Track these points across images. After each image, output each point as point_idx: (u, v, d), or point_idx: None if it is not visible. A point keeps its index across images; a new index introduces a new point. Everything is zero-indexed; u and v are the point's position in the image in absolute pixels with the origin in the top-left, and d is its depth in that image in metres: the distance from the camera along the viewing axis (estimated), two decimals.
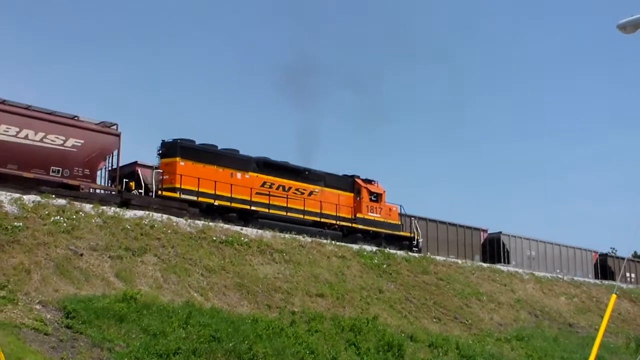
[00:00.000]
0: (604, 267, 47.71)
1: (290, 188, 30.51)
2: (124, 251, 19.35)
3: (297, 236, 26.64)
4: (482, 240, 41.58)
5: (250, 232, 25.02)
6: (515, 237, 42.02)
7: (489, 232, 42.02)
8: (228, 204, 27.65)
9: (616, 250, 54.45)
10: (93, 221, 20.19)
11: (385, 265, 27.64)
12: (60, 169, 23.18)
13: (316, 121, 78.31)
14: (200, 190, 26.74)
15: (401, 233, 34.75)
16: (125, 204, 23.69)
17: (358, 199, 33.41)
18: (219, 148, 28.89)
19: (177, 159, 26.67)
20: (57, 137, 23.17)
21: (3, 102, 22.60)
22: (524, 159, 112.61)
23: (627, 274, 46.92)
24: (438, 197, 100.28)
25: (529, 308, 31.09)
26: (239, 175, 28.60)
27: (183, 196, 26.14)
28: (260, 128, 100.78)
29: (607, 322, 13.16)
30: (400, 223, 35.09)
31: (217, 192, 27.30)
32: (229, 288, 20.45)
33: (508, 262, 39.42)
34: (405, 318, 23.90)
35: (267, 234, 25.46)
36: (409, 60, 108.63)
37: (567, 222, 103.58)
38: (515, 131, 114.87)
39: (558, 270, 41.90)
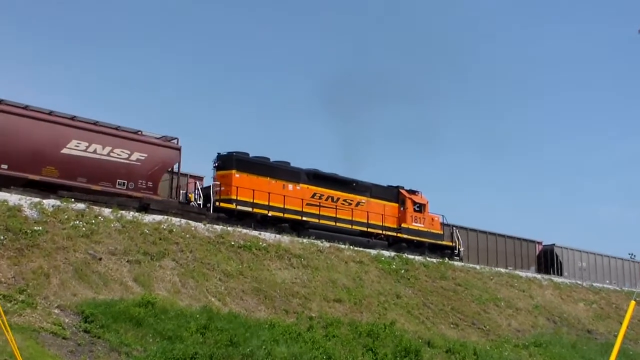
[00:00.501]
0: None
1: (338, 199, 31.63)
2: (142, 255, 19.45)
3: (315, 241, 26.68)
4: (537, 252, 43.33)
5: (268, 236, 25.06)
6: (567, 249, 43.79)
7: (543, 244, 43.63)
8: (281, 214, 28.65)
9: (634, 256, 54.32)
10: (112, 225, 20.31)
11: (403, 271, 27.57)
12: (126, 181, 24.30)
13: (363, 132, 79.89)
14: (255, 201, 27.75)
15: (443, 242, 35.80)
16: (144, 208, 23.89)
17: (402, 209, 34.47)
18: (271, 160, 29.91)
19: (233, 171, 27.69)
20: (123, 151, 24.35)
21: (73, 118, 23.65)
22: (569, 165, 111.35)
23: None
24: (484, 207, 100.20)
25: (547, 314, 30.88)
26: (290, 186, 29.72)
27: (239, 207, 27.18)
28: (305, 140, 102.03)
29: (626, 329, 13.02)
30: (442, 232, 36.13)
31: (271, 203, 28.25)
32: (246, 293, 20.49)
33: (561, 274, 40.67)
34: (422, 324, 23.82)
35: (285, 239, 25.49)
36: (455, 71, 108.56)
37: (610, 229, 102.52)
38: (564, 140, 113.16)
39: (607, 281, 43.47)
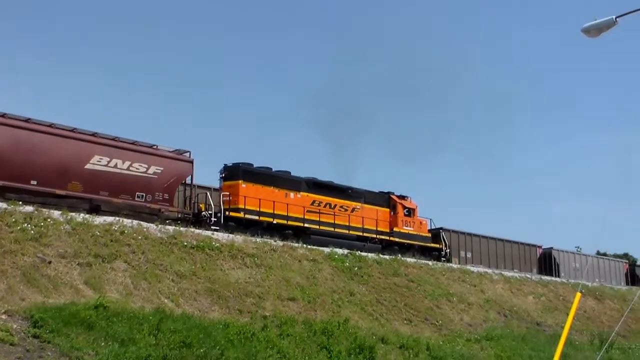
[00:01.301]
0: (633, 276, 55.10)
1: (335, 205, 33.37)
2: (93, 258, 19.18)
3: (268, 240, 26.71)
4: (538, 256, 46.85)
5: (221, 236, 24.97)
6: (564, 251, 48.27)
7: (542, 247, 47.52)
8: (285, 222, 30.15)
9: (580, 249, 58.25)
10: (62, 228, 19.99)
11: (356, 268, 27.73)
12: (144, 194, 25.78)
13: (356, 141, 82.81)
14: (261, 210, 29.32)
15: (432, 245, 37.88)
16: (95, 210, 23.66)
17: (393, 214, 36.37)
18: (273, 170, 31.49)
19: (240, 181, 29.31)
20: (141, 165, 25.82)
21: (94, 134, 24.99)
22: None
23: None
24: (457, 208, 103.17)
25: (498, 308, 31.41)
26: (292, 195, 31.33)
27: (247, 216, 28.68)
28: (297, 149, 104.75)
29: (572, 320, 13.34)
30: (429, 235, 38.29)
31: (275, 212, 29.76)
32: (200, 293, 20.38)
33: (558, 275, 44.18)
34: (376, 320, 24.01)
35: (239, 238, 25.43)
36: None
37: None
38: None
39: (596, 280, 47.77)
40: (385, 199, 36.65)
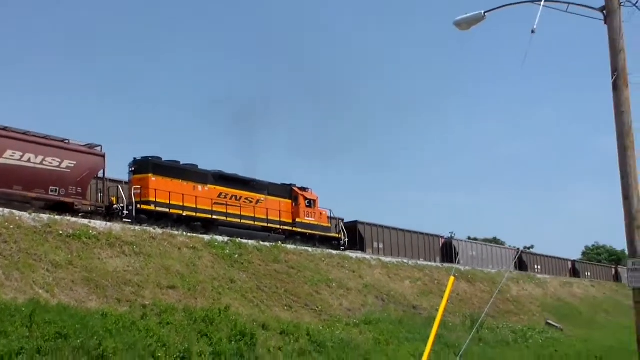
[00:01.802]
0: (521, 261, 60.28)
1: (241, 197, 34.38)
2: None
3: (147, 228, 26.33)
4: (440, 245, 51.00)
5: (99, 225, 24.40)
6: (463, 241, 54.44)
7: (445, 237, 52.50)
8: (194, 214, 30.97)
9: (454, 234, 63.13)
10: None
11: (237, 255, 27.80)
12: (58, 188, 25.92)
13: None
14: (171, 202, 29.97)
15: (332, 234, 39.76)
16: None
17: (295, 205, 37.77)
18: (181, 163, 32.04)
19: (150, 175, 29.84)
20: (54, 160, 25.90)
21: (4, 128, 24.85)
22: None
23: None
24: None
25: (377, 293, 32.31)
26: (200, 187, 32.13)
27: (157, 209, 29.33)
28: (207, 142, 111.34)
29: (446, 303, 14.09)
30: (330, 225, 39.94)
31: (185, 204, 30.53)
32: (76, 283, 19.87)
33: (458, 262, 47.04)
34: (257, 307, 24.21)
35: (117, 227, 24.93)
36: None
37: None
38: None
39: (491, 267, 51.74)
40: (287, 191, 37.92)
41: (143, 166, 30.10)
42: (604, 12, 11.86)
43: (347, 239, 40.42)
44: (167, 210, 29.71)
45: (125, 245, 23.64)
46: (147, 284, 21.86)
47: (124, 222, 26.55)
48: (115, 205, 28.29)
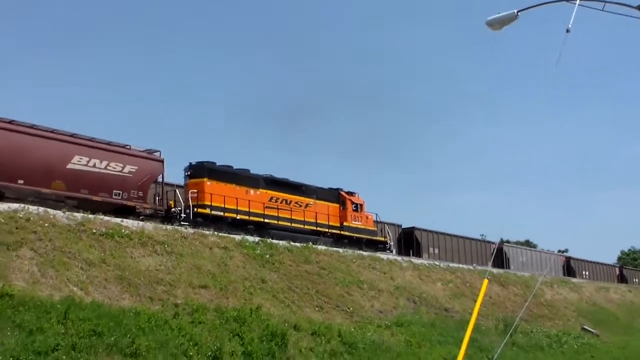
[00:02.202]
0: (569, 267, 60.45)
1: (291, 202, 35.34)
2: None
3: (179, 227, 26.49)
4: (492, 250, 50.62)
5: (131, 224, 24.54)
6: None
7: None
8: (247, 217, 32.09)
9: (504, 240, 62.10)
10: None
11: (268, 256, 27.79)
12: (121, 192, 27.36)
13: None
14: (225, 206, 31.00)
15: (378, 238, 40.49)
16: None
17: (343, 209, 38.72)
18: (234, 168, 33.27)
19: (205, 179, 31.00)
20: (117, 165, 27.28)
21: (73, 135, 26.34)
22: None
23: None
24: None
25: (408, 294, 32.09)
26: (252, 192, 33.22)
27: (213, 212, 30.42)
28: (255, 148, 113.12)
29: (479, 306, 13.89)
30: (376, 229, 40.84)
31: (238, 208, 31.66)
32: (109, 281, 20.00)
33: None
34: (288, 307, 24.18)
35: (149, 226, 25.07)
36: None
37: None
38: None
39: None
40: (335, 195, 38.81)
41: (198, 171, 31.21)
42: None
43: (392, 242, 41.43)
44: (222, 213, 30.77)
45: (157, 245, 23.75)
46: (179, 283, 21.93)
47: (182, 224, 27.74)
48: (172, 209, 29.57)
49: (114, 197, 26.96)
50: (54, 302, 16.92)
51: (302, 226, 34.90)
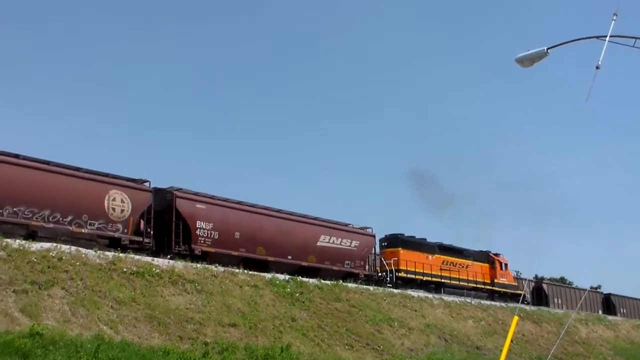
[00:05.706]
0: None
1: (457, 264, 42.47)
2: (29, 285, 18.73)
3: (209, 266, 26.48)
4: (601, 300, 57.31)
5: (161, 262, 24.66)
6: (621, 296, 59.93)
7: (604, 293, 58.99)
8: (430, 279, 39.33)
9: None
10: None
11: (298, 294, 27.69)
12: (350, 262, 34.88)
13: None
14: (416, 270, 38.47)
15: (519, 292, 45.24)
16: (32, 236, 23.15)
17: (492, 268, 45.51)
18: (416, 238, 40.53)
19: (400, 248, 38.55)
20: (346, 240, 34.99)
21: (316, 218, 34.45)
22: None
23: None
24: None
25: (439, 332, 31.69)
26: (429, 257, 40.37)
27: (408, 276, 38.00)
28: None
29: (509, 343, 13.67)
30: (517, 284, 47.55)
31: (424, 271, 39.11)
32: (139, 320, 20.07)
33: (616, 314, 55.48)
34: (318, 346, 24.00)
35: (179, 264, 25.15)
36: None
37: None
38: None
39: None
40: (485, 256, 45.78)
41: (393, 242, 38.94)
42: None
43: (528, 295, 47.89)
44: (414, 276, 38.17)
45: (187, 283, 23.81)
46: (209, 321, 21.92)
47: (388, 285, 35.70)
48: (380, 273, 37.32)
49: (345, 266, 34.36)
50: (83, 341, 17.00)
51: (465, 284, 41.96)
